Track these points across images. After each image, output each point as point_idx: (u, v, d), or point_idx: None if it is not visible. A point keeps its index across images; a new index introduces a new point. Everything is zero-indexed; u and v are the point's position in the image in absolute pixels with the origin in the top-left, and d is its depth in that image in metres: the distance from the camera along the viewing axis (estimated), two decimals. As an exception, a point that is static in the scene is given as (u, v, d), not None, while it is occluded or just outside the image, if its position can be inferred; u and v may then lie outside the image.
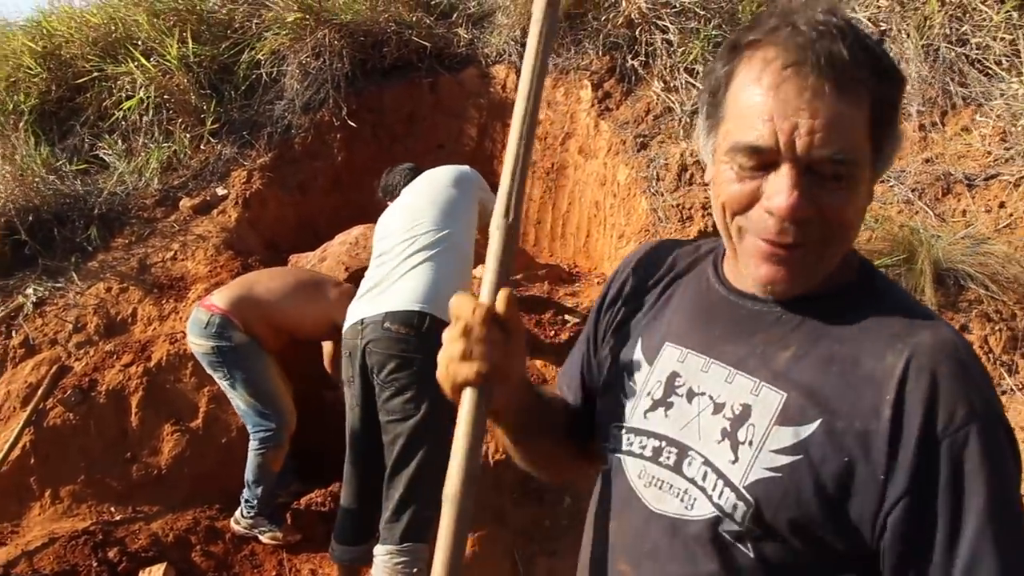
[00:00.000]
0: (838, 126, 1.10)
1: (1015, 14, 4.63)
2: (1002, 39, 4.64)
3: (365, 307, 3.90)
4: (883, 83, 1.14)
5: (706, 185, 4.87)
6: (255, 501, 4.38)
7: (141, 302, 5.25)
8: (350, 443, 4.02)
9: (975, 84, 4.63)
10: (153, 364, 4.80)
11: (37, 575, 4.02)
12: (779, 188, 1.14)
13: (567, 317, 4.79)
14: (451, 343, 1.29)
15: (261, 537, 4.45)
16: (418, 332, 3.76)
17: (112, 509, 4.59)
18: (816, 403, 1.17)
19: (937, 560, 1.10)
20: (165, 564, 4.10)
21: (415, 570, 3.70)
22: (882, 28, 4.97)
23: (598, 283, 5.34)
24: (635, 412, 1.36)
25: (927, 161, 4.52)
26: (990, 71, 4.65)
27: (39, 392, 4.77)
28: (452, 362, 1.28)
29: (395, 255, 3.98)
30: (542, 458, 1.61)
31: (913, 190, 4.35)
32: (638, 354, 1.40)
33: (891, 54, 1.23)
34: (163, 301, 5.21)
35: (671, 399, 1.31)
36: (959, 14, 4.81)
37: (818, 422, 1.16)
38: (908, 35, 4.82)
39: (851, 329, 1.21)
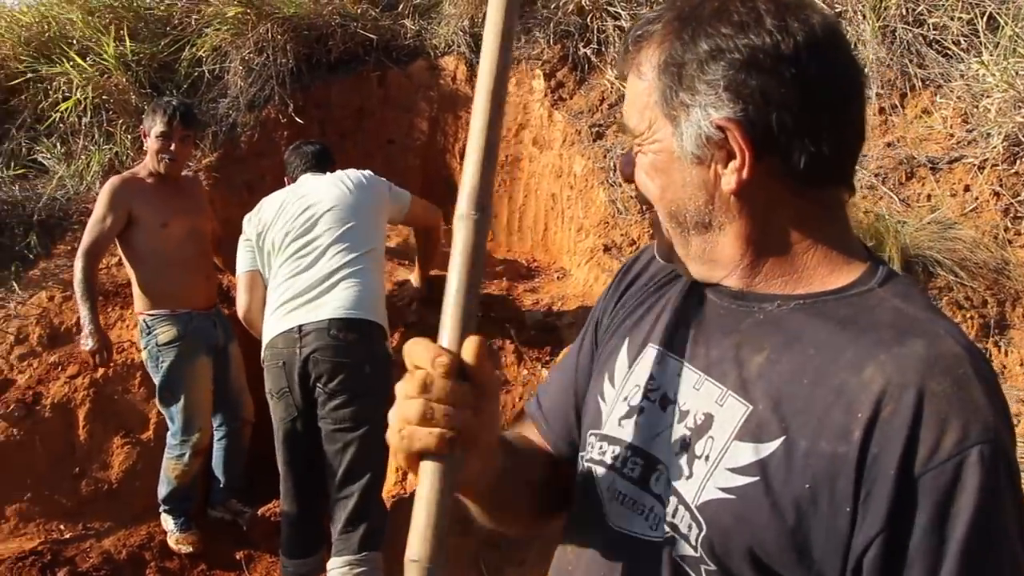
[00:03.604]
0: (630, 98, 1.17)
1: (972, -8, 4.60)
2: (959, 19, 4.59)
3: (301, 314, 3.75)
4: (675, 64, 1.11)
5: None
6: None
7: (86, 311, 5.04)
8: (290, 456, 3.88)
9: (934, 65, 4.58)
10: (100, 375, 4.63)
11: (-17, 601, 3.86)
12: None
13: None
14: (406, 401, 1.01)
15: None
16: (365, 338, 3.74)
17: (61, 527, 4.43)
18: (780, 417, 1.01)
19: None
20: (118, 583, 3.95)
21: None
22: (837, 10, 4.92)
23: (558, 277, 5.24)
24: (611, 418, 1.22)
25: (888, 145, 4.47)
26: (949, 52, 4.60)
27: (-20, 408, 4.57)
28: (407, 424, 1.00)
29: (328, 259, 3.84)
30: (518, 522, 1.43)
31: (876, 175, 4.31)
32: (623, 356, 1.25)
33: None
34: (108, 309, 5.02)
35: (643, 404, 1.17)
36: (915, -6, 4.78)
37: (780, 440, 1.00)
38: (864, 16, 4.77)
39: (835, 334, 1.04)
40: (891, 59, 4.67)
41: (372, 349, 3.76)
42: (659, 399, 1.16)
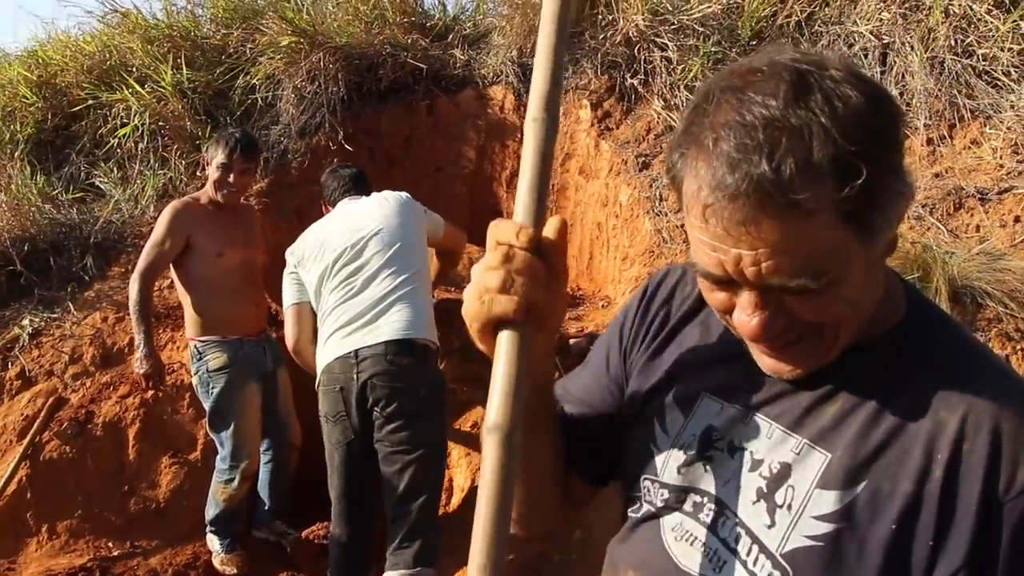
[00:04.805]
0: (786, 250, 0.95)
1: (1023, 23, 4.54)
2: (1010, 49, 4.53)
3: (356, 339, 3.80)
4: (847, 176, 0.92)
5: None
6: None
7: (138, 332, 5.16)
8: (345, 479, 3.91)
9: (983, 96, 4.53)
10: (150, 395, 4.72)
11: (32, 615, 3.94)
12: (744, 308, 1.04)
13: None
14: (487, 272, 1.05)
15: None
16: (420, 361, 3.78)
17: (110, 544, 4.51)
18: (862, 464, 1.06)
19: None
20: (163, 601, 4.01)
21: None
22: (884, 41, 4.91)
23: (602, 306, 5.26)
24: (667, 465, 1.23)
25: (936, 176, 4.42)
26: (998, 82, 4.54)
27: (35, 425, 4.70)
28: (487, 292, 1.04)
29: (379, 283, 3.88)
30: (545, 514, 1.43)
31: (923, 205, 4.26)
32: (670, 401, 1.27)
33: (878, 95, 0.97)
34: (159, 330, 5.12)
35: (710, 453, 1.20)
36: (964, 25, 4.72)
37: (863, 484, 1.05)
38: (912, 48, 4.74)
39: (902, 380, 1.09)
40: (939, 90, 4.63)
41: (427, 372, 3.82)
42: (726, 447, 1.18)
